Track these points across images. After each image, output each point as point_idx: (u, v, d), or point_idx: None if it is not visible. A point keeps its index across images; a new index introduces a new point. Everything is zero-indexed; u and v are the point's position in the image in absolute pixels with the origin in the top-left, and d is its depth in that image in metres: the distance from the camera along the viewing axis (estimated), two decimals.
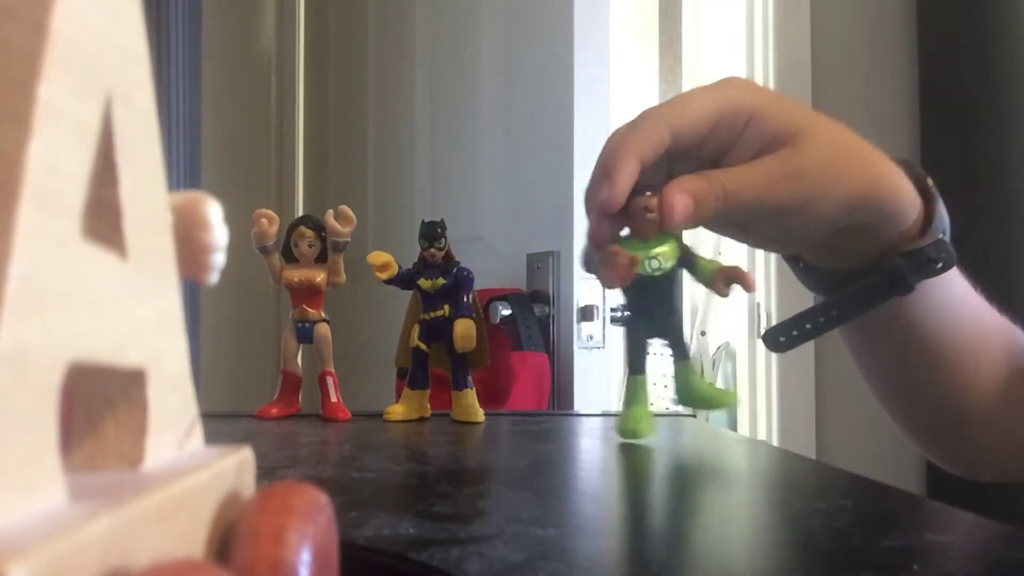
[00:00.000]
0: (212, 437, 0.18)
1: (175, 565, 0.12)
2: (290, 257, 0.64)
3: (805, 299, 0.52)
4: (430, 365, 0.64)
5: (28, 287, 0.11)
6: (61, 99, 0.12)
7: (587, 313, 1.13)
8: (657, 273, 0.45)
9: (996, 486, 0.55)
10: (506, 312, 1.11)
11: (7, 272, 0.10)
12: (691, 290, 2.10)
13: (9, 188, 0.11)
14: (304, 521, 0.15)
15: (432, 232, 0.62)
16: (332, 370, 0.63)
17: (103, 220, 0.14)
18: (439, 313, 0.62)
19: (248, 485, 0.18)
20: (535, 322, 1.13)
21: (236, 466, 0.17)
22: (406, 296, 0.65)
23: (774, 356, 1.48)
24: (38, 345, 0.11)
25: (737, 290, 0.46)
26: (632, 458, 0.49)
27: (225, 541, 0.15)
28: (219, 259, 0.19)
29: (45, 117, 0.11)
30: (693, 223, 0.42)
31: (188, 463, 0.16)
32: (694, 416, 0.64)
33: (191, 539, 0.14)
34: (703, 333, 1.84)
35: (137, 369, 0.15)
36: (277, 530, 0.14)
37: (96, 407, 0.15)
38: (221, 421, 0.61)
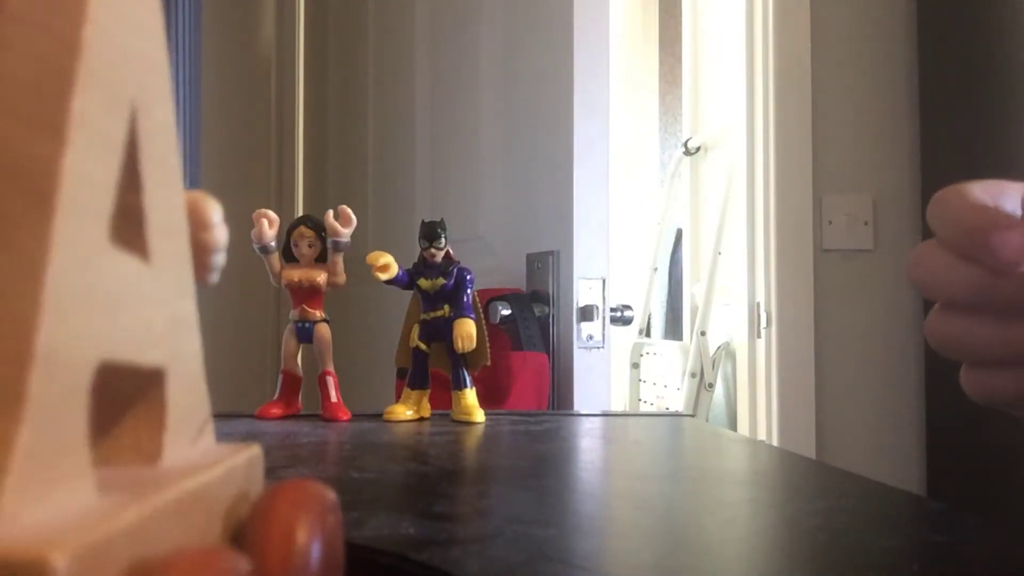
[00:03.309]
0: None
1: (197, 550, 0.12)
2: (290, 257, 0.64)
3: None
4: (430, 365, 0.64)
5: (63, 290, 0.11)
6: (92, 111, 0.12)
7: (587, 313, 1.13)
8: None
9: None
10: (506, 312, 1.11)
11: (44, 276, 0.11)
12: (691, 290, 2.10)
13: (46, 196, 0.11)
14: (315, 517, 0.15)
15: (432, 232, 0.62)
16: (332, 370, 0.63)
17: (128, 225, 0.15)
18: (439, 313, 0.62)
19: (257, 482, 0.18)
20: (535, 322, 1.13)
21: (246, 463, 0.18)
22: (406, 296, 0.65)
23: (774, 356, 1.48)
24: (72, 345, 0.12)
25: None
26: (632, 458, 0.49)
27: (237, 535, 0.16)
28: (219, 259, 0.19)
29: (78, 128, 0.12)
30: None
31: (203, 459, 0.16)
32: (694, 416, 0.64)
33: (206, 532, 0.15)
34: (703, 333, 1.83)
35: (157, 368, 0.15)
36: (289, 524, 0.15)
37: (116, 405, 0.15)
38: (221, 421, 0.61)
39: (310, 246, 0.63)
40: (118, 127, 0.14)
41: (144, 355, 0.15)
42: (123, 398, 0.15)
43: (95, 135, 0.13)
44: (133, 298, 0.14)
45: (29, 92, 0.12)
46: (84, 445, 0.12)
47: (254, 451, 0.18)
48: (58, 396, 0.11)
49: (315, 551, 0.15)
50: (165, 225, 0.16)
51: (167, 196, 0.16)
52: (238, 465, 0.17)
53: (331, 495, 0.17)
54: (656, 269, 2.25)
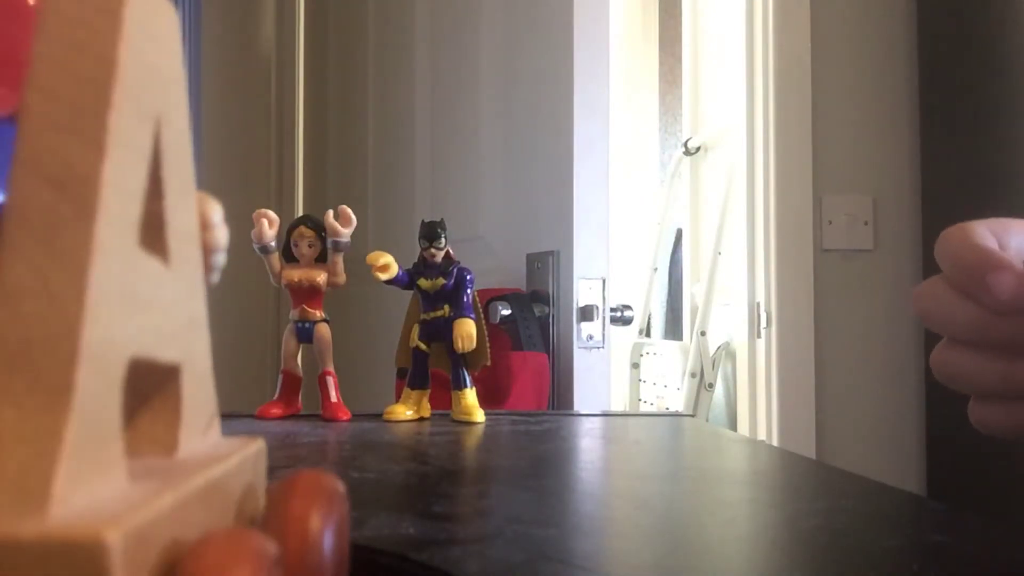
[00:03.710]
0: None
1: (229, 532, 0.13)
2: (290, 257, 0.64)
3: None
4: (430, 365, 0.64)
5: (103, 291, 0.12)
6: (125, 124, 0.13)
7: (587, 313, 1.13)
8: None
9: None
10: (506, 312, 1.11)
11: (88, 279, 0.12)
12: (691, 290, 2.10)
13: (88, 204, 0.12)
14: (328, 502, 0.16)
15: (432, 232, 0.62)
16: (332, 370, 0.63)
17: (150, 230, 0.16)
18: (439, 313, 0.62)
19: (262, 474, 0.19)
20: (535, 322, 1.13)
21: (254, 456, 0.19)
22: (406, 296, 0.65)
23: (774, 356, 1.48)
24: (110, 342, 0.13)
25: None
26: (632, 458, 0.49)
27: (252, 521, 0.17)
28: (220, 259, 0.19)
29: (114, 141, 0.13)
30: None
31: (215, 451, 0.18)
32: (694, 416, 0.64)
33: (223, 519, 0.16)
34: (703, 333, 1.83)
35: (174, 365, 0.16)
36: (305, 511, 0.16)
37: (135, 398, 0.16)
38: (221, 421, 0.61)
39: (310, 246, 0.63)
40: (146, 138, 0.15)
41: (165, 352, 0.16)
42: (143, 392, 0.16)
43: (128, 146, 0.14)
44: (157, 298, 0.15)
45: (71, 107, 0.13)
46: (119, 436, 0.13)
47: (259, 445, 0.19)
48: (99, 390, 0.12)
49: (329, 537, 0.16)
50: (182, 230, 0.17)
51: (184, 202, 0.17)
52: (248, 457, 0.18)
53: (341, 487, 0.17)
54: (656, 269, 2.25)
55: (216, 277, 0.19)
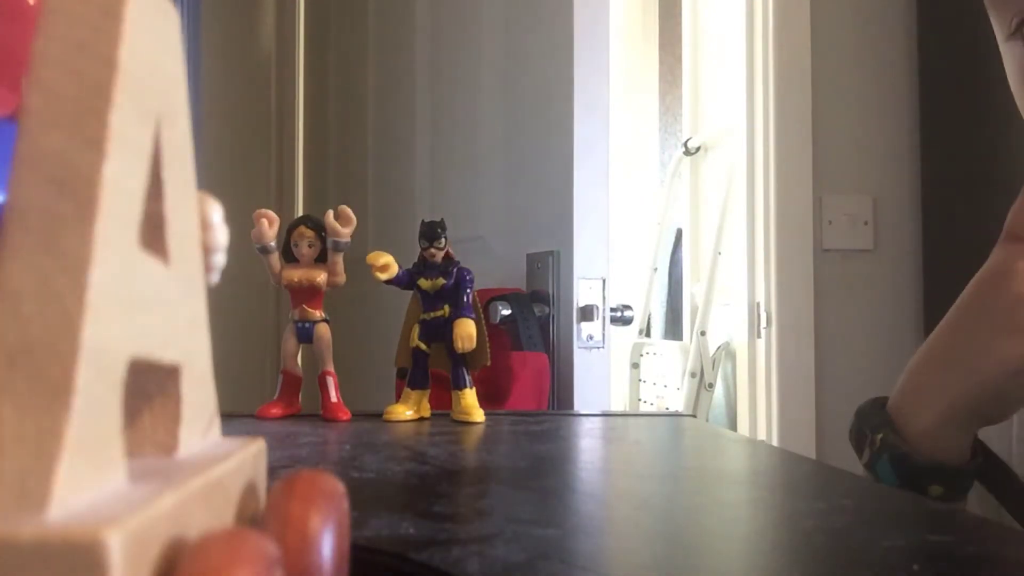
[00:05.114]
0: None
1: (229, 532, 0.13)
2: (290, 257, 0.64)
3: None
4: (430, 365, 0.64)
5: (103, 290, 0.12)
6: (126, 124, 0.14)
7: (587, 313, 1.13)
8: None
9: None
10: (506, 312, 1.11)
11: (88, 279, 0.12)
12: (691, 290, 2.10)
13: (87, 204, 0.12)
14: (328, 502, 0.16)
15: (432, 232, 0.62)
16: (332, 370, 0.63)
17: (151, 230, 0.16)
18: (439, 313, 0.62)
19: (262, 474, 0.19)
20: (535, 322, 1.13)
21: (254, 456, 0.19)
22: (406, 296, 0.65)
23: (774, 356, 1.49)
24: (110, 342, 0.13)
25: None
26: (632, 458, 0.49)
27: (251, 521, 0.17)
28: (220, 259, 0.19)
29: (115, 141, 0.13)
30: None
31: (215, 452, 0.18)
32: (694, 416, 0.64)
33: (223, 519, 0.16)
34: (703, 333, 1.83)
35: (174, 365, 0.16)
36: (305, 511, 0.16)
37: (135, 399, 0.16)
38: (221, 421, 0.61)
39: (310, 246, 0.63)
40: (146, 138, 0.15)
41: (165, 352, 0.16)
42: (142, 393, 0.17)
43: (128, 146, 0.14)
44: (158, 298, 0.15)
45: (71, 107, 0.13)
46: (119, 436, 0.13)
47: (260, 445, 0.20)
48: (99, 390, 0.12)
49: (329, 537, 0.16)
50: (182, 230, 0.17)
51: (184, 202, 0.17)
52: (248, 457, 0.18)
53: (341, 486, 0.17)
54: (656, 269, 2.25)
55: (216, 277, 0.19)
